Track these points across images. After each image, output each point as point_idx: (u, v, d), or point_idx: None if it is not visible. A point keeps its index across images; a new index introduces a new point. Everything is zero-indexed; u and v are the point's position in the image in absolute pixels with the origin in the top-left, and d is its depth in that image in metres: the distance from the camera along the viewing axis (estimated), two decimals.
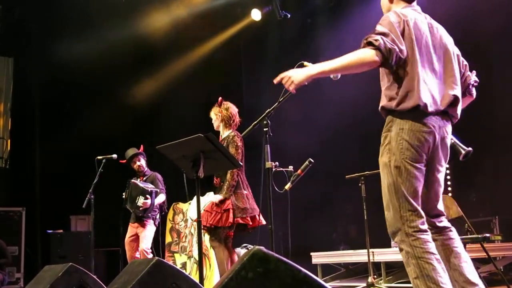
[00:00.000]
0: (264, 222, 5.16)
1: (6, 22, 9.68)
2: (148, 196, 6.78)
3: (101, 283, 3.86)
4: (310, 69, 3.16)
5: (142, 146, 7.12)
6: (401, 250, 3.04)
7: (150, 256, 6.67)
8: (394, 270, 7.07)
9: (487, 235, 5.14)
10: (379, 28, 3.06)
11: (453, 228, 3.22)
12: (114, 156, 6.88)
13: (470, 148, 3.39)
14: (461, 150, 3.39)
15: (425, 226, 3.01)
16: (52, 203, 9.25)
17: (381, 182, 3.14)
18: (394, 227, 3.05)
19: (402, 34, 3.06)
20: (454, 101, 3.13)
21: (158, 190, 6.95)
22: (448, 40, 3.29)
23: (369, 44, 2.99)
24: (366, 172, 6.08)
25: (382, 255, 6.60)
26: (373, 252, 6.22)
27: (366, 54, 2.97)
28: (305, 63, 4.05)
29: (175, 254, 7.64)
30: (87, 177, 6.82)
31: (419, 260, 2.93)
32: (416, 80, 3.03)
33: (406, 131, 3.02)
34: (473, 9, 7.34)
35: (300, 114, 9.26)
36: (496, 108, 7.70)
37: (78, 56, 9.21)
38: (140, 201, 6.75)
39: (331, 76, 3.93)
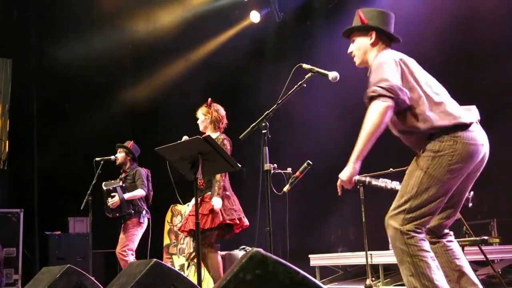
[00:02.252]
0: (248, 224, 5.18)
1: (4, 23, 9.68)
2: (113, 194, 6.60)
3: (99, 284, 3.86)
4: (349, 166, 3.19)
5: (131, 142, 7.06)
6: (394, 247, 3.02)
7: (129, 258, 6.48)
8: (392, 272, 7.06)
9: (485, 237, 5.14)
10: (374, 78, 3.09)
11: (451, 232, 3.25)
12: (113, 157, 6.88)
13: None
14: None
15: (421, 227, 3.02)
16: (51, 205, 9.25)
17: (406, 174, 3.12)
18: (391, 221, 3.03)
19: (402, 75, 3.08)
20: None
21: (124, 185, 6.73)
22: None
23: (371, 99, 3.03)
24: (364, 174, 6.08)
25: (380, 257, 6.60)
26: (371, 254, 6.22)
27: (377, 110, 3.00)
28: (304, 65, 4.06)
29: (173, 256, 7.64)
30: (85, 178, 6.82)
31: (414, 258, 2.93)
32: (442, 105, 3.07)
33: (461, 146, 3.00)
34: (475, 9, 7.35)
35: (299, 116, 9.25)
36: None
37: (76, 58, 9.22)
38: (109, 202, 6.60)
39: (330, 78, 3.96)
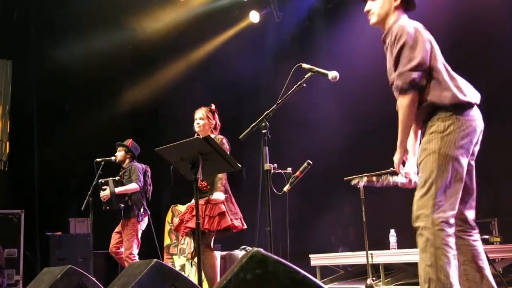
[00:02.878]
0: (245, 226, 5.20)
1: (4, 24, 9.68)
2: (104, 187, 6.60)
3: (100, 285, 3.87)
4: (397, 151, 3.29)
5: (130, 140, 7.06)
6: (420, 235, 3.00)
7: (136, 259, 6.45)
8: (393, 272, 7.06)
9: (486, 236, 5.15)
10: (399, 59, 3.14)
11: (477, 230, 3.24)
12: (113, 158, 6.88)
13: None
14: None
15: (453, 221, 3.01)
16: (51, 205, 9.25)
17: (421, 164, 3.14)
18: (422, 210, 3.02)
19: (430, 52, 3.15)
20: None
21: (117, 179, 6.69)
22: None
23: (402, 92, 3.11)
24: (364, 174, 6.08)
25: (381, 257, 6.60)
26: (371, 254, 6.23)
27: (404, 105, 3.12)
28: (303, 65, 4.07)
29: (174, 256, 7.65)
30: (86, 179, 6.82)
31: (438, 250, 2.92)
32: (450, 81, 3.13)
33: (464, 122, 3.06)
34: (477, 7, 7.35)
35: (299, 116, 9.25)
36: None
37: (77, 58, 9.22)
38: (101, 195, 6.60)
39: (330, 77, 3.96)
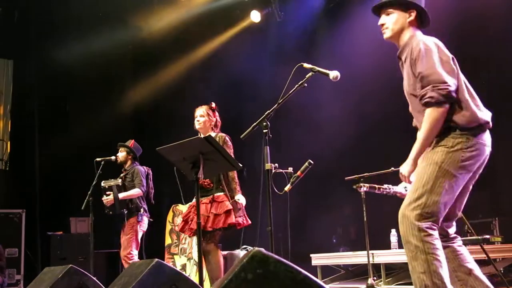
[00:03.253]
0: (250, 222, 5.22)
1: (5, 24, 9.69)
2: (108, 192, 6.63)
3: (101, 284, 3.87)
4: (409, 163, 3.23)
5: (132, 141, 7.07)
6: (408, 242, 3.02)
7: (134, 259, 6.47)
8: (394, 271, 7.06)
9: (487, 236, 5.14)
10: (427, 71, 3.09)
11: (458, 236, 3.29)
12: (113, 158, 6.89)
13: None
14: None
15: (435, 225, 3.04)
16: (52, 205, 9.25)
17: (419, 170, 3.14)
18: (407, 217, 3.05)
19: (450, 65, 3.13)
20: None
21: (119, 182, 6.71)
22: None
23: (427, 104, 3.06)
24: (365, 174, 6.08)
25: (382, 256, 6.59)
26: (373, 253, 6.22)
27: (435, 118, 3.05)
28: (305, 64, 4.07)
29: (175, 256, 7.64)
30: (86, 179, 6.82)
31: (429, 256, 2.94)
32: (474, 100, 3.13)
33: (473, 144, 3.06)
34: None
35: (300, 116, 9.25)
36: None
37: (77, 58, 9.22)
38: (104, 200, 6.64)
39: (331, 77, 3.96)
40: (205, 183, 5.15)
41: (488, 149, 3.14)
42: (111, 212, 6.67)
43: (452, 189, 3.05)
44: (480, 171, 3.22)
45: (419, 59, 3.14)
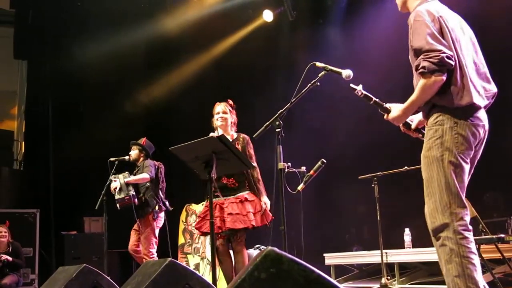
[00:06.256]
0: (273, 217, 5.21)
1: (20, 25, 9.77)
2: (114, 179, 6.61)
3: (115, 284, 3.88)
4: (398, 111, 3.24)
5: (144, 138, 7.08)
6: (442, 245, 2.95)
7: (154, 257, 6.49)
8: (408, 271, 7.03)
9: (502, 235, 5.10)
10: (416, 43, 3.04)
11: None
12: (126, 157, 6.90)
13: None
14: None
15: (470, 230, 2.98)
16: (66, 205, 9.30)
17: (422, 175, 3.10)
18: (439, 223, 2.96)
19: (440, 32, 3.04)
20: (495, 95, 3.19)
21: (127, 175, 6.69)
22: (470, 31, 3.29)
23: (422, 74, 2.98)
24: (379, 173, 6.07)
25: (396, 256, 6.57)
26: (386, 253, 6.20)
27: (428, 85, 2.99)
28: (317, 63, 4.05)
29: (188, 255, 7.66)
30: (100, 178, 6.85)
31: (463, 259, 2.88)
32: (465, 78, 3.03)
33: (462, 126, 3.00)
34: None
35: (314, 115, 9.23)
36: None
37: (91, 59, 9.28)
38: (111, 187, 6.59)
39: (344, 76, 3.92)
40: (230, 183, 5.11)
41: (483, 125, 3.07)
42: (121, 204, 6.51)
43: (461, 176, 3.00)
44: (481, 150, 3.16)
45: (413, 32, 3.10)
